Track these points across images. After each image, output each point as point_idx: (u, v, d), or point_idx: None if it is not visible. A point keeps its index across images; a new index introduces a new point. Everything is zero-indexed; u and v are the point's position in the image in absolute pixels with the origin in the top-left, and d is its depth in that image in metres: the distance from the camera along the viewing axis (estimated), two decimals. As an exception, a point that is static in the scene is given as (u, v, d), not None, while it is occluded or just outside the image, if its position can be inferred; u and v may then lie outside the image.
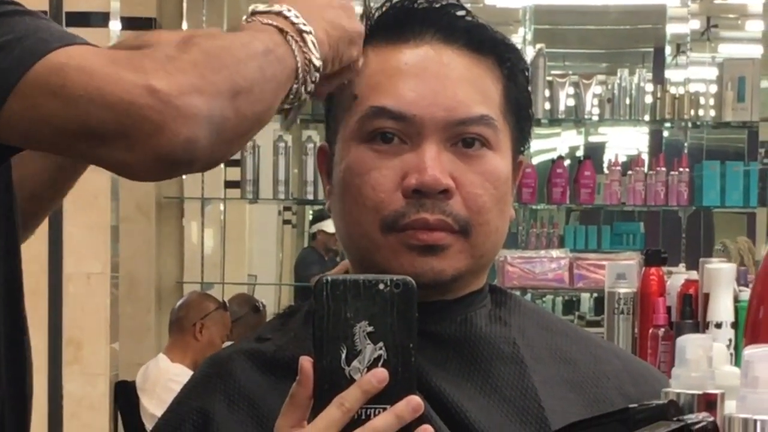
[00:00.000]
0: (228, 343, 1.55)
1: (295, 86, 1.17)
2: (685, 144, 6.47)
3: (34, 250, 4.04)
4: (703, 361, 0.88)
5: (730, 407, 0.82)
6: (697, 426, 0.83)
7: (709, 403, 0.88)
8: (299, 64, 1.16)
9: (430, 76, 1.27)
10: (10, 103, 1.05)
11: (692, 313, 2.27)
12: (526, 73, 1.35)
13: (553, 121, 6.19)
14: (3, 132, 1.07)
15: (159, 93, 1.04)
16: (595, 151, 8.79)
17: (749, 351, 0.82)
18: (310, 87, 1.19)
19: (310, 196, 5.84)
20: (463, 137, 1.26)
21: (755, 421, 0.81)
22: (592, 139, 10.00)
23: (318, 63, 1.17)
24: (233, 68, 1.09)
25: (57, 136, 1.07)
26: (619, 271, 2.65)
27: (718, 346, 0.96)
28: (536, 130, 7.58)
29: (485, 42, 1.30)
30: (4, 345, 1.17)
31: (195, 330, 4.81)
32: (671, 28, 8.45)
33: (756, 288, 0.97)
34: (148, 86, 1.04)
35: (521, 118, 1.33)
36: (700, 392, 0.88)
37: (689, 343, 0.88)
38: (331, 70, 1.21)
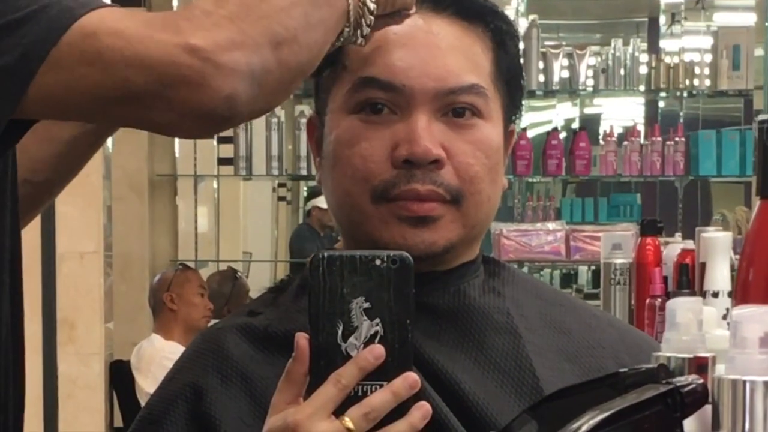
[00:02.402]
0: (214, 322, 1.55)
1: (346, 29, 1.15)
2: (681, 113, 6.45)
3: (26, 230, 4.01)
4: (694, 324, 0.88)
5: (721, 371, 0.82)
6: (686, 388, 0.83)
7: (700, 366, 0.88)
8: (351, 7, 1.13)
9: (420, 46, 1.26)
10: (42, 76, 1.03)
11: (689, 282, 2.25)
12: (517, 41, 1.34)
13: (548, 92, 6.17)
14: (34, 106, 1.05)
15: (197, 51, 1.03)
16: (590, 123, 8.80)
17: (737, 311, 0.82)
18: (366, 31, 1.16)
19: (304, 172, 5.84)
20: (454, 107, 1.26)
21: (744, 381, 0.81)
22: (588, 110, 10.01)
23: (372, 5, 1.15)
24: (274, 17, 1.07)
25: (95, 104, 1.06)
26: (615, 241, 2.64)
27: (708, 309, 0.96)
28: (531, 102, 7.58)
29: (474, 10, 1.29)
30: (6, 323, 1.15)
31: (167, 304, 4.87)
32: (665, -3, 8.44)
33: (745, 250, 0.96)
34: (186, 45, 1.03)
35: (512, 86, 1.32)
36: (691, 356, 0.88)
37: (679, 307, 0.88)
38: (381, 12, 1.18)
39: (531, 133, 6.63)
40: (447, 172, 1.25)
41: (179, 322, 4.83)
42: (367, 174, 1.24)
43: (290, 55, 1.08)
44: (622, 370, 0.86)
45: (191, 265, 5.47)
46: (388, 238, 1.24)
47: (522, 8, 7.60)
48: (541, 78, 5.95)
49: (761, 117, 0.95)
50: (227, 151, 5.89)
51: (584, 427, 0.75)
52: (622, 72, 6.01)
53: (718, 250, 2.12)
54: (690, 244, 2.39)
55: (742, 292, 0.95)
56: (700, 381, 0.83)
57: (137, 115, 1.07)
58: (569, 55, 6.00)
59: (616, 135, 6.12)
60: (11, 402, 1.17)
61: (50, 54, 1.03)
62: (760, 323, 0.80)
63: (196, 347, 1.31)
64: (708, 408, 0.83)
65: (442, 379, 1.23)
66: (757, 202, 0.98)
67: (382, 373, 1.03)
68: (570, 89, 6.16)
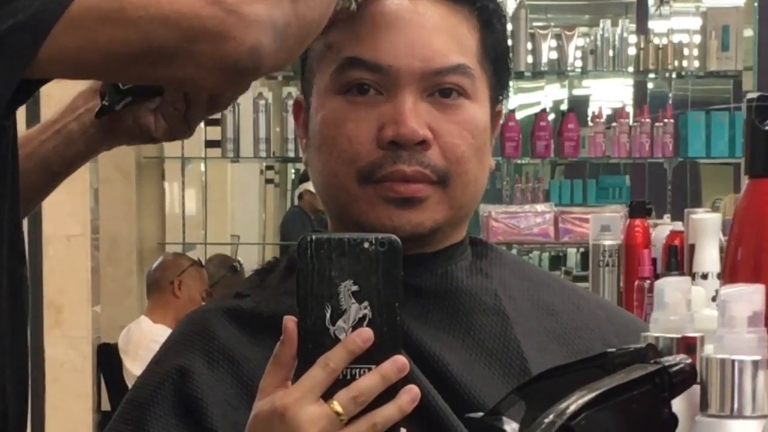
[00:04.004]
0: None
1: None
2: (670, 95, 6.45)
3: (13, 213, 4.00)
4: (682, 304, 0.88)
5: (709, 351, 0.82)
6: (674, 368, 0.83)
7: (689, 346, 0.88)
8: None
9: (406, 26, 1.25)
10: (59, 34, 1.02)
11: (678, 264, 2.25)
12: (504, 21, 1.33)
13: (536, 74, 6.17)
14: (51, 64, 1.04)
15: (220, 2, 1.02)
16: (579, 104, 8.80)
17: (725, 290, 0.82)
18: None
19: (292, 154, 5.83)
20: (440, 87, 1.25)
21: (732, 361, 0.81)
22: (576, 92, 10.02)
23: None
24: None
25: (115, 62, 1.05)
26: (603, 223, 2.63)
27: (696, 289, 0.95)
28: (519, 84, 7.58)
29: None
30: (7, 299, 1.14)
31: (173, 287, 4.84)
32: (654, -22, 8.44)
33: (733, 229, 0.96)
34: None
35: (499, 66, 1.32)
36: (679, 336, 0.88)
37: (667, 287, 0.87)
38: None
39: (519, 115, 6.63)
40: (433, 152, 1.24)
41: (176, 310, 4.79)
42: (353, 155, 1.24)
43: (306, 10, 1.09)
44: (610, 350, 0.86)
45: (179, 248, 5.46)
46: (374, 219, 1.24)
47: (510, -11, 7.58)
48: (530, 59, 5.95)
49: (750, 95, 0.94)
50: (214, 133, 5.87)
51: (572, 407, 0.75)
52: (610, 53, 6.01)
53: (708, 232, 2.12)
54: (679, 226, 2.39)
55: (731, 271, 0.95)
56: (689, 361, 0.83)
57: (159, 71, 1.06)
58: (557, 36, 5.99)
59: (604, 116, 6.13)
60: (9, 389, 1.15)
61: (68, 10, 1.02)
62: (748, 302, 0.80)
63: (182, 329, 1.31)
64: (696, 388, 0.83)
65: (430, 361, 1.23)
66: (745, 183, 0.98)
67: (370, 357, 1.03)
68: (558, 70, 6.16)
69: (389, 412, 1.03)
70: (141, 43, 1.03)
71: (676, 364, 0.83)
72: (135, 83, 1.25)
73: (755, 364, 0.80)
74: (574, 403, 0.75)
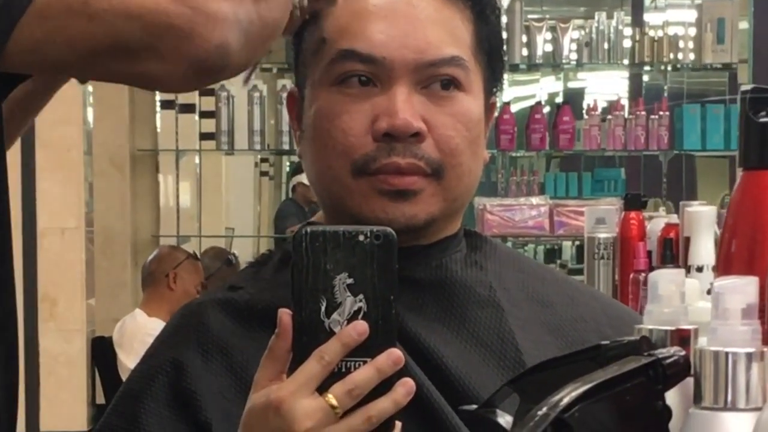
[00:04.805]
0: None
1: None
2: (665, 87, 6.45)
3: (7, 206, 3.99)
4: (676, 296, 0.88)
5: (703, 343, 0.82)
6: (668, 360, 0.83)
7: (683, 339, 0.87)
8: None
9: (399, 18, 1.25)
10: (25, 27, 1.01)
11: (673, 257, 2.25)
12: (498, 13, 1.33)
13: (531, 66, 6.16)
14: (18, 58, 1.03)
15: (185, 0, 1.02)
16: (574, 97, 8.79)
17: (719, 282, 0.82)
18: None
19: (287, 147, 5.83)
20: (434, 79, 1.25)
21: (726, 353, 0.81)
22: (571, 84, 10.01)
23: None
24: None
25: (82, 56, 1.04)
26: (598, 215, 2.63)
27: (690, 281, 0.95)
28: (514, 77, 7.58)
29: None
30: None
31: (169, 280, 4.83)
32: (648, -30, 8.43)
33: (728, 221, 0.96)
34: None
35: (493, 58, 1.31)
36: (673, 328, 0.88)
37: (661, 279, 0.87)
38: None
39: (514, 108, 6.62)
40: (428, 145, 1.24)
41: (171, 303, 4.78)
42: (347, 148, 1.24)
43: (267, 11, 1.08)
44: (603, 342, 0.86)
45: (173, 241, 5.45)
46: (368, 212, 1.24)
47: (505, -18, 7.58)
48: (525, 52, 5.94)
49: (744, 87, 0.94)
50: (209, 125, 5.87)
51: (565, 399, 0.75)
52: (605, 45, 6.00)
53: (703, 225, 2.12)
54: (674, 219, 2.39)
55: (725, 263, 0.94)
56: (682, 353, 0.83)
57: (128, 68, 1.06)
58: (552, 29, 5.99)
59: (600, 109, 6.12)
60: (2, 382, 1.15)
61: (34, 3, 1.01)
62: (742, 294, 0.80)
63: (176, 322, 1.31)
64: (690, 380, 0.82)
65: (425, 353, 1.23)
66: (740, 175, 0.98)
67: (365, 350, 1.02)
68: (553, 63, 6.16)
69: (384, 405, 1.03)
70: (106, 38, 1.03)
71: (669, 357, 0.83)
72: (103, 80, 1.25)
73: (749, 357, 0.80)
74: (567, 395, 0.75)
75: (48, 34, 1.03)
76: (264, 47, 1.12)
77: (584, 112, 6.32)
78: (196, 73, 1.05)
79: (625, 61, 6.12)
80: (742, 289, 0.81)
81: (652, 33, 6.10)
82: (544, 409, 0.74)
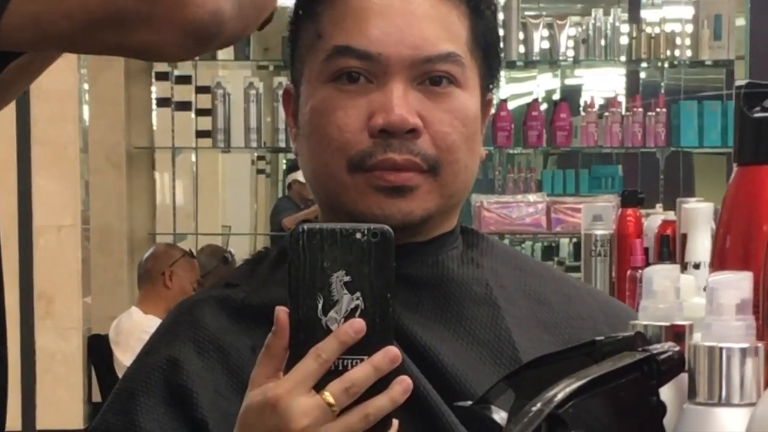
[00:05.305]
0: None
1: None
2: (662, 84, 6.44)
3: (2, 203, 4.00)
4: (671, 292, 0.88)
5: (698, 339, 0.82)
6: (662, 356, 0.83)
7: (677, 334, 0.87)
8: None
9: (396, 14, 1.25)
10: (21, 4, 1.01)
11: (670, 253, 2.25)
12: (494, 8, 1.33)
13: (528, 63, 6.15)
14: (13, 34, 1.03)
15: None
16: (571, 94, 8.77)
17: (714, 278, 0.82)
18: None
19: (283, 144, 5.83)
20: (430, 75, 1.25)
21: (720, 348, 0.80)
22: (569, 81, 9.99)
23: None
24: None
25: (77, 29, 1.04)
26: (595, 212, 2.63)
27: (685, 277, 0.95)
28: (511, 74, 7.56)
29: None
30: None
31: (165, 278, 4.83)
32: (645, -34, 8.41)
33: (722, 217, 0.95)
34: None
35: (489, 54, 1.31)
36: (668, 324, 0.87)
37: (656, 275, 0.87)
38: None
39: (511, 105, 6.62)
40: (424, 141, 1.24)
41: (167, 301, 4.78)
42: (343, 144, 1.24)
43: None
44: (598, 338, 0.86)
45: (169, 238, 5.45)
46: (364, 208, 1.24)
47: (502, -21, 7.57)
48: (522, 49, 5.94)
49: (739, 82, 0.94)
50: (205, 123, 5.87)
51: (560, 395, 0.74)
52: (602, 42, 6.00)
53: (699, 221, 2.12)
54: (671, 215, 2.39)
55: (720, 259, 0.94)
56: (677, 348, 0.83)
57: (121, 38, 1.05)
58: (549, 26, 5.98)
59: (597, 106, 6.11)
60: None
61: None
62: (736, 290, 0.79)
63: (172, 319, 1.31)
64: (684, 376, 0.82)
65: (421, 351, 1.23)
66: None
67: (362, 348, 1.02)
68: (550, 60, 6.15)
69: (381, 403, 1.02)
70: (99, 8, 1.02)
71: (664, 352, 0.82)
72: (97, 52, 1.24)
73: (743, 352, 0.79)
74: (561, 391, 0.75)
75: (43, 7, 1.02)
76: (256, 21, 1.12)
77: (581, 109, 6.32)
78: (190, 40, 1.04)
79: (622, 58, 6.11)
80: (737, 284, 0.81)
81: (649, 30, 6.10)
82: (539, 404, 0.74)
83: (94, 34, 1.05)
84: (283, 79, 6.00)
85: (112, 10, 1.02)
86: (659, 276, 0.87)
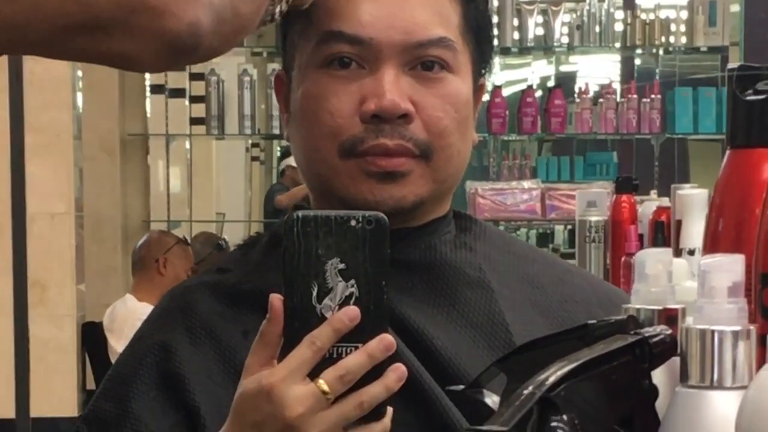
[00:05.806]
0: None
1: None
2: (657, 70, 6.44)
3: (-4, 191, 4.00)
4: (663, 276, 0.87)
5: (690, 322, 0.81)
6: (654, 339, 0.83)
7: (670, 318, 0.87)
8: None
9: None
10: (1, 6, 1.00)
11: (664, 240, 2.25)
12: (485, -7, 1.32)
13: (523, 49, 6.15)
14: None
15: None
16: (565, 80, 8.77)
17: (706, 261, 0.81)
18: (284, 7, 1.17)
19: (277, 131, 5.83)
20: (422, 60, 1.25)
21: (712, 331, 0.80)
22: (563, 68, 9.99)
23: None
24: None
25: (56, 33, 1.03)
26: (589, 198, 2.63)
27: (678, 261, 0.95)
28: (506, 60, 7.56)
29: None
30: None
31: (159, 265, 4.83)
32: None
33: (715, 200, 0.95)
34: None
35: (481, 39, 1.31)
36: (660, 307, 0.87)
37: (648, 258, 0.87)
38: None
39: (506, 91, 6.61)
40: (416, 126, 1.24)
41: (161, 288, 4.77)
42: (334, 129, 1.23)
43: (240, 2, 1.07)
44: (591, 321, 0.86)
45: (163, 226, 5.44)
46: (356, 194, 1.23)
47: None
48: (516, 35, 5.93)
49: (731, 65, 0.93)
50: (199, 110, 5.86)
51: (551, 378, 0.74)
52: (597, 29, 6.00)
53: (694, 208, 2.11)
54: (665, 202, 2.39)
55: (712, 242, 0.94)
56: (669, 331, 0.83)
57: (98, 45, 1.04)
58: (544, 12, 5.98)
59: (591, 92, 6.11)
60: None
61: None
62: (728, 272, 0.79)
63: (164, 305, 1.30)
64: (676, 359, 0.82)
65: (415, 335, 1.22)
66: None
67: (357, 335, 1.02)
68: (545, 46, 6.15)
69: (376, 390, 1.02)
70: (78, 13, 1.01)
71: (656, 335, 0.82)
72: (75, 59, 1.24)
73: (735, 335, 0.79)
74: (553, 374, 0.74)
75: (23, 11, 1.02)
76: (235, 38, 1.11)
77: (576, 95, 6.32)
78: (167, 51, 1.04)
79: (617, 45, 6.11)
80: (729, 267, 0.80)
81: (643, 16, 6.10)
82: (530, 387, 0.74)
83: (71, 39, 1.04)
84: (277, 66, 5.98)
85: (90, 16, 1.01)
86: (652, 260, 0.87)
